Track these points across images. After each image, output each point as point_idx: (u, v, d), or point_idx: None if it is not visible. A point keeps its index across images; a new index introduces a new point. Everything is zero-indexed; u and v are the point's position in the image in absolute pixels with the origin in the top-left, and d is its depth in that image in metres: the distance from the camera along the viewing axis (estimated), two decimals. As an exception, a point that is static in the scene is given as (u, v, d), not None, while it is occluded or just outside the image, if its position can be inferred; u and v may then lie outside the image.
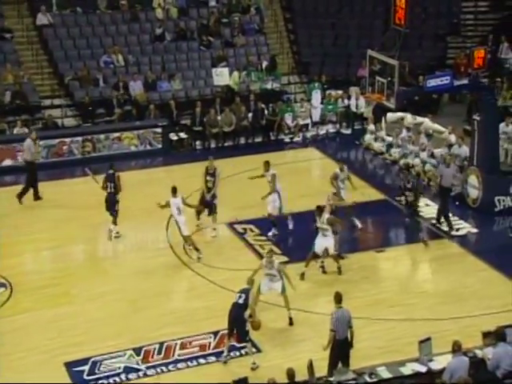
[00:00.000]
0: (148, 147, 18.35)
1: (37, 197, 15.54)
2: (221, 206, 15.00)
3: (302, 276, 12.31)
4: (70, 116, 19.28)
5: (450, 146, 16.79)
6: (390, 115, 18.09)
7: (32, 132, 16.37)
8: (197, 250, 13.16)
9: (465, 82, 15.38)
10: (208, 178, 13.89)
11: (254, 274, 11.07)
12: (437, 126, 17.59)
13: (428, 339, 9.74)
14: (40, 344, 10.73)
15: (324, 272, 12.56)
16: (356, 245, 13.94)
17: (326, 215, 12.45)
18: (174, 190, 13.08)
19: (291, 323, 11.25)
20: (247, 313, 10.14)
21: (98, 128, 18.57)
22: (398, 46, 14.57)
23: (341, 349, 9.49)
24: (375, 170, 18.16)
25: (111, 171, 13.90)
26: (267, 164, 14.08)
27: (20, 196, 15.41)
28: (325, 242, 12.37)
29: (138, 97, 19.58)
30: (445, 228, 14.08)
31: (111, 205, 13.83)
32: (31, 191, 15.56)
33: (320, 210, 12.54)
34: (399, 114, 17.99)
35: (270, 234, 13.96)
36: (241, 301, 10.17)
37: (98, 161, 17.33)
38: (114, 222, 13.89)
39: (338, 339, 9.44)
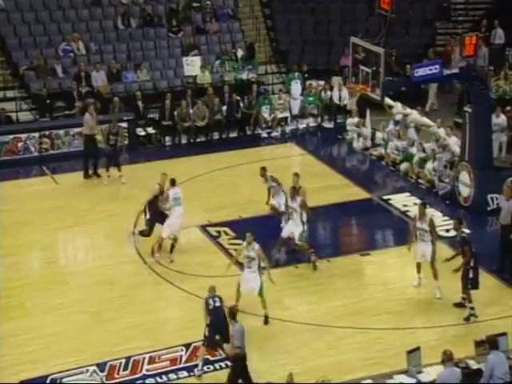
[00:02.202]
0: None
1: (96, 173, 16.57)
2: (192, 208, 14.96)
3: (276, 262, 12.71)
4: (26, 110, 19.05)
5: (439, 140, 16.94)
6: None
7: (90, 106, 16.92)
8: (158, 251, 13.32)
9: (455, 71, 15.52)
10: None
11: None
12: (425, 120, 17.74)
13: (417, 349, 9.82)
14: (-7, 361, 10.61)
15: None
16: (339, 248, 14.02)
17: (299, 198, 12.79)
18: (173, 181, 13.46)
19: (266, 322, 11.36)
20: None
21: (57, 123, 18.39)
22: (384, 32, 14.63)
23: (243, 364, 9.68)
24: (359, 166, 18.27)
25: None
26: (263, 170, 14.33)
27: (86, 174, 16.53)
28: (292, 227, 12.70)
29: (101, 88, 19.44)
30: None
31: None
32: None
33: (295, 190, 12.89)
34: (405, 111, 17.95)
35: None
36: (218, 303, 10.42)
37: (56, 159, 17.19)
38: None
39: (243, 355, 9.68)
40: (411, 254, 12.27)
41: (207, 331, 10.39)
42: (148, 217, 13.34)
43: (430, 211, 14.87)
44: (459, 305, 11.56)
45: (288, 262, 13.11)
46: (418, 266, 12.22)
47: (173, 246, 13.23)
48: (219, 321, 10.34)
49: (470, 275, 11.31)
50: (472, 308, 11.37)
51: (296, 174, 13.41)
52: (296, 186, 13.18)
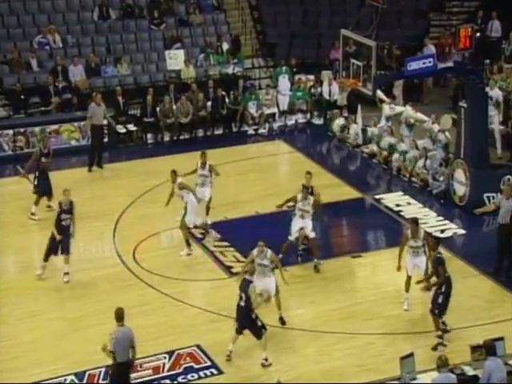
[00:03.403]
0: (91, 141, 18.14)
1: (100, 165, 16.95)
2: (176, 209, 14.90)
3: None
4: (-1, 106, 18.99)
5: (434, 137, 17.01)
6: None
7: (97, 95, 16.98)
8: (188, 244, 13.52)
9: (450, 64, 15.60)
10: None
11: (246, 266, 11.33)
12: (419, 115, 17.82)
13: (410, 355, 9.86)
14: (-34, 371, 10.54)
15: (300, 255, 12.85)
16: (329, 250, 14.03)
17: (312, 197, 12.89)
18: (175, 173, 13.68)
19: (283, 323, 11.49)
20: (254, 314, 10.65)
21: (32, 119, 18.30)
22: (375, 24, 14.68)
23: (122, 371, 9.58)
24: (351, 164, 18.32)
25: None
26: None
27: (98, 163, 16.97)
28: (302, 223, 12.78)
29: (79, 83, 19.35)
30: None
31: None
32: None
33: (307, 189, 12.94)
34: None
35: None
36: (242, 303, 10.58)
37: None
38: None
39: (120, 362, 9.53)
40: (403, 256, 12.23)
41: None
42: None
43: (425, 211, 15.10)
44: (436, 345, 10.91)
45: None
46: (408, 280, 11.79)
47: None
48: (242, 317, 10.59)
49: (439, 301, 10.85)
50: (440, 336, 10.81)
51: (308, 173, 13.45)
52: (308, 185, 13.16)
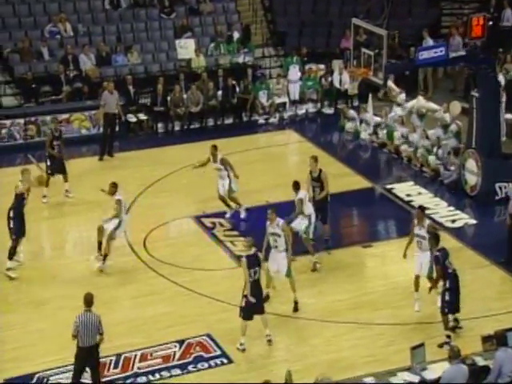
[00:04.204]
0: (101, 130, 18.10)
1: (110, 154, 16.98)
2: (186, 197, 14.92)
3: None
4: (10, 94, 18.91)
5: (445, 126, 16.89)
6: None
7: (109, 84, 17.09)
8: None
9: (462, 53, 15.43)
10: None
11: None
12: (431, 104, 17.66)
13: (421, 345, 9.77)
14: (-25, 359, 10.56)
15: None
16: (339, 239, 13.92)
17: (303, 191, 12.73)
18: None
19: (296, 308, 11.46)
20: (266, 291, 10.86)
21: (43, 108, 18.26)
22: (386, 13, 14.54)
23: (85, 357, 9.49)
24: (361, 154, 18.19)
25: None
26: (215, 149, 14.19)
27: (109, 151, 17.01)
28: (298, 220, 12.58)
29: (90, 72, 19.30)
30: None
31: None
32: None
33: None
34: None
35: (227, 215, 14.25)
36: (257, 276, 10.66)
37: (42, 146, 16.99)
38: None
39: (82, 346, 9.44)
40: (414, 246, 12.15)
41: (244, 302, 10.59)
42: None
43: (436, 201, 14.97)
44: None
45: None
46: (417, 280, 11.49)
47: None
48: (257, 290, 10.59)
49: (446, 298, 10.67)
50: (448, 336, 10.61)
51: (312, 157, 13.20)
52: (314, 170, 12.95)
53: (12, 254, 12.54)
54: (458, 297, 10.77)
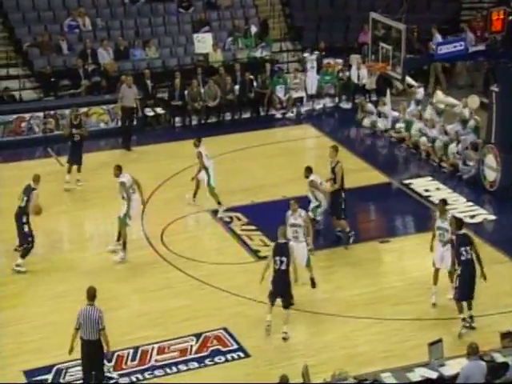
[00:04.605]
0: (119, 124, 18.14)
1: (128, 148, 17.02)
2: (203, 191, 14.87)
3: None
4: (29, 88, 19.00)
5: (464, 121, 16.74)
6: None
7: (127, 78, 17.21)
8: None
9: (481, 48, 15.28)
10: None
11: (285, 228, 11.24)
12: (449, 99, 17.52)
13: (439, 341, 9.71)
14: (-6, 350, 10.63)
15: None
16: (357, 234, 13.82)
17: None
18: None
19: (314, 285, 11.61)
20: (293, 276, 10.79)
21: (62, 102, 18.30)
22: (405, 7, 14.44)
23: (88, 351, 9.44)
24: (379, 149, 18.08)
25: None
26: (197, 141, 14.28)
27: (127, 145, 17.15)
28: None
29: (108, 66, 19.33)
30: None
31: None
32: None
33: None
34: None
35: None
36: (283, 267, 10.61)
37: (61, 140, 17.10)
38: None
39: (84, 339, 9.39)
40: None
41: (272, 287, 10.76)
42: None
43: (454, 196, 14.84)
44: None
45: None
46: (436, 273, 11.49)
47: None
48: (280, 281, 10.64)
49: (457, 284, 10.76)
50: (463, 319, 10.75)
51: (332, 147, 13.20)
52: (332, 160, 12.97)
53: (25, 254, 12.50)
54: (469, 285, 10.74)
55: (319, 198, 13.07)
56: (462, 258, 10.70)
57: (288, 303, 10.77)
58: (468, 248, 10.71)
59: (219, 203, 14.19)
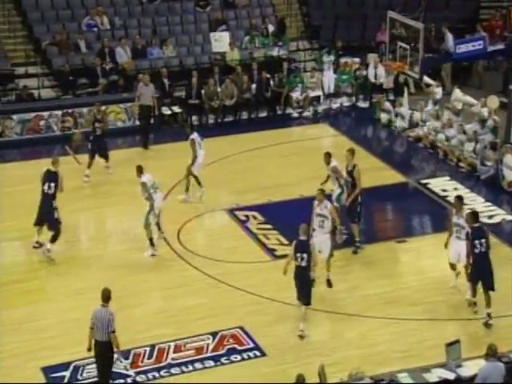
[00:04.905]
0: (137, 123, 18.19)
1: (145, 146, 17.15)
2: (219, 191, 14.91)
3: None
4: (48, 86, 19.10)
5: (483, 121, 16.61)
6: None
7: (144, 76, 17.40)
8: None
9: (500, 46, 15.16)
10: None
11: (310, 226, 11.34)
12: (468, 98, 17.39)
13: (456, 342, 9.66)
14: (11, 347, 10.66)
15: None
16: (373, 234, 13.82)
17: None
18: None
19: (330, 285, 11.71)
20: (312, 274, 10.84)
21: (80, 100, 18.40)
22: (423, 6, 14.38)
23: (99, 352, 9.42)
24: (396, 148, 18.00)
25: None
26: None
27: (144, 143, 17.24)
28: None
29: (126, 65, 19.40)
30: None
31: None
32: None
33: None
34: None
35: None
36: (303, 263, 10.69)
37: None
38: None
39: (96, 340, 9.40)
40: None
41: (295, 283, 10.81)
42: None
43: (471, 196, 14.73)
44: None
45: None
46: (452, 267, 11.68)
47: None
48: (301, 278, 10.73)
49: (470, 273, 11.11)
50: (474, 303, 11.15)
51: (348, 150, 13.03)
52: (348, 164, 12.85)
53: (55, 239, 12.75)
54: (484, 273, 10.87)
55: (342, 183, 12.95)
56: (476, 251, 10.83)
57: (308, 300, 10.80)
58: (483, 241, 10.82)
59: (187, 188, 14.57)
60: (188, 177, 14.54)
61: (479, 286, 11.06)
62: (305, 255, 10.67)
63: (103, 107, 17.00)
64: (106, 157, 15.84)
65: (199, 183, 14.60)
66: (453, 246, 11.53)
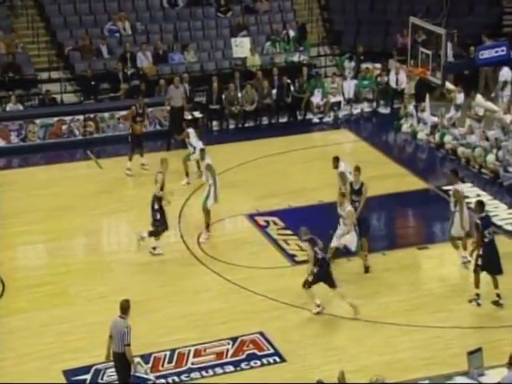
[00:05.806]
0: (158, 127, 18.28)
1: (168, 148, 17.34)
2: (240, 196, 14.92)
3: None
4: (70, 91, 19.29)
5: (505, 127, 16.48)
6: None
7: (175, 79, 17.76)
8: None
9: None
10: None
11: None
12: (489, 104, 17.28)
13: (478, 350, 9.59)
14: (35, 349, 10.75)
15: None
16: (394, 241, 13.79)
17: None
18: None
19: (367, 271, 12.34)
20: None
21: (102, 105, 18.55)
22: (446, 11, 14.30)
23: (115, 361, 9.40)
24: (417, 155, 17.92)
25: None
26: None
27: (168, 144, 17.44)
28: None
29: (147, 70, 19.53)
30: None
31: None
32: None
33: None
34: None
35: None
36: (320, 256, 11.28)
37: (101, 142, 17.35)
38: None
39: (113, 350, 9.35)
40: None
41: (311, 277, 11.24)
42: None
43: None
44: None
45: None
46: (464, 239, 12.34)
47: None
48: (324, 271, 11.17)
49: (479, 262, 11.37)
50: (477, 294, 11.44)
51: (356, 169, 12.68)
52: (356, 182, 12.59)
53: (154, 235, 13.00)
54: (492, 261, 11.18)
55: (343, 190, 12.81)
56: (486, 240, 11.21)
57: (334, 284, 11.19)
58: (491, 230, 11.27)
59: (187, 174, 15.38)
60: (186, 163, 15.36)
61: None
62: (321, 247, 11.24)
63: (121, 113, 17.17)
64: (141, 152, 16.15)
65: (187, 174, 15.40)
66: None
